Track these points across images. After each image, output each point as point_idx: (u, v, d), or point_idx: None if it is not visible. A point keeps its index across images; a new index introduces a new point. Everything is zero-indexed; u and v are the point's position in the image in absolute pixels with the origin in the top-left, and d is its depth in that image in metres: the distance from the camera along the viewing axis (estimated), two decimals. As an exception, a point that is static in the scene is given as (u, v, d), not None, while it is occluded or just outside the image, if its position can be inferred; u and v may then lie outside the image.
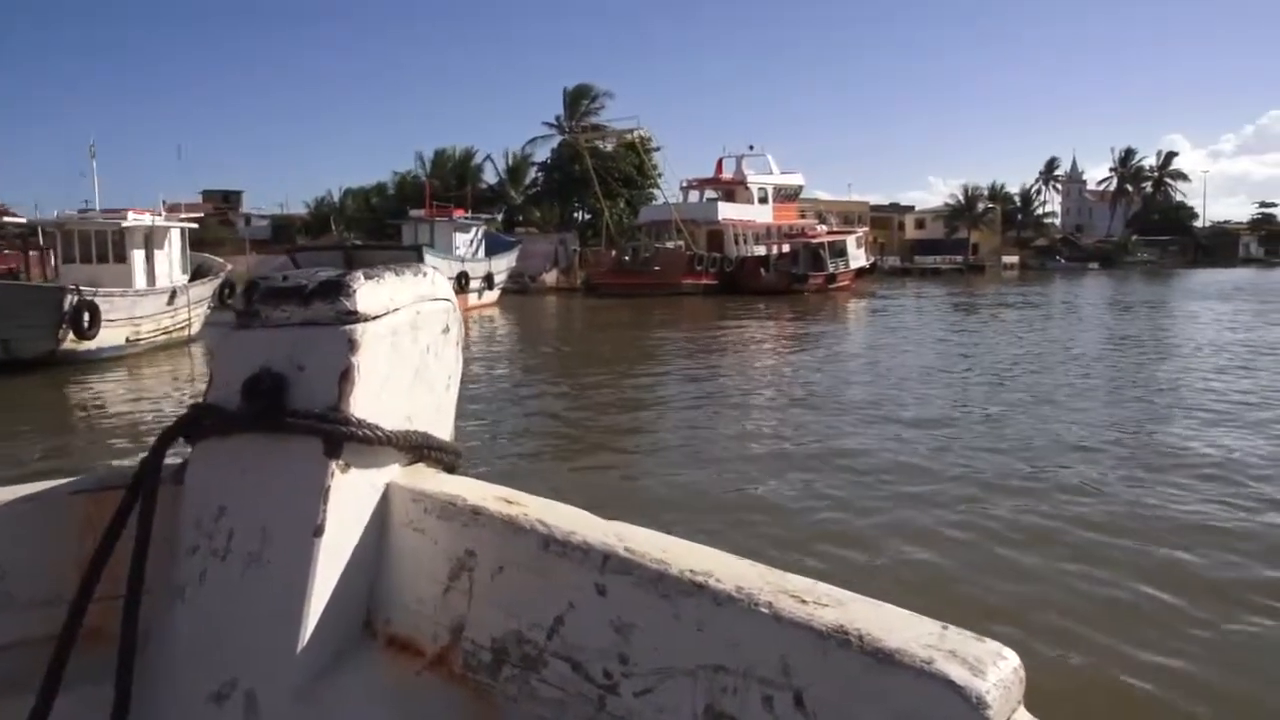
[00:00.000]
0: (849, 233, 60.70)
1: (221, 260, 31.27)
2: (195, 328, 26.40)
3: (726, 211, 55.83)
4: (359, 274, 1.60)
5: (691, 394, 16.61)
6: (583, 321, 40.58)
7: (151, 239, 25.53)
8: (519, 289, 53.55)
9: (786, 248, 55.43)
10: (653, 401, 16.15)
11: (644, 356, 23.62)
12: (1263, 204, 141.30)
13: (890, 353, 23.50)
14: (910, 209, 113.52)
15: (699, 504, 8.97)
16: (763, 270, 52.98)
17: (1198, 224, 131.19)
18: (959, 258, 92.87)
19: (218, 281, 28.69)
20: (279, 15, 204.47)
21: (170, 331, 24.85)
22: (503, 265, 45.13)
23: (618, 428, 13.76)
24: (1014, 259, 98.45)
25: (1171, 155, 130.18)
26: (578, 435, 13.26)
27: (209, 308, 27.91)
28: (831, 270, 54.07)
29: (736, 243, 55.08)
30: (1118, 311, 38.54)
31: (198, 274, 28.00)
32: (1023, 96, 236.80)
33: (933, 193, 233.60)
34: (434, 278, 1.76)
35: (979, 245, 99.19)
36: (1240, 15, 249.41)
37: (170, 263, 26.41)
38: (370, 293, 1.58)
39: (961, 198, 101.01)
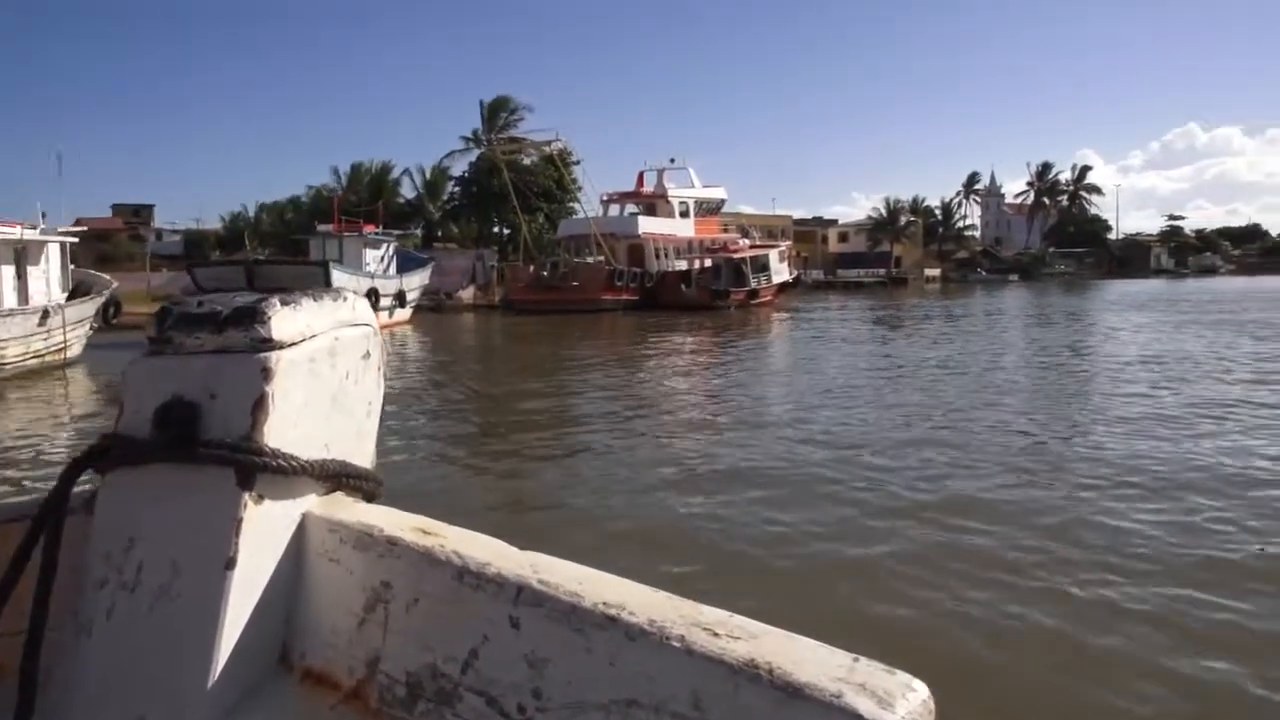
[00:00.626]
0: (772, 247, 60.11)
1: (107, 278, 29.40)
2: (74, 350, 24.69)
3: (647, 225, 54.97)
4: (275, 300, 1.57)
5: (609, 415, 15.79)
6: (499, 339, 39.59)
7: (24, 255, 23.80)
8: (435, 306, 52.66)
9: (709, 262, 54.69)
10: (569, 423, 15.26)
11: (561, 376, 22.69)
12: (1172, 216, 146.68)
13: (812, 369, 22.89)
14: (833, 223, 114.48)
15: (614, 531, 8.53)
16: (684, 285, 52.14)
17: (1111, 236, 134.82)
18: (881, 271, 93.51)
19: (100, 300, 26.94)
20: (192, 24, 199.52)
21: (43, 355, 23.11)
22: (415, 282, 43.76)
23: (533, 452, 12.88)
24: (936, 271, 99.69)
25: (1086, 169, 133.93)
26: (490, 461, 12.47)
27: (91, 328, 26.17)
28: (754, 285, 53.48)
29: (658, 257, 54.30)
30: (1040, 324, 38.38)
31: (78, 292, 26.23)
32: (944, 112, 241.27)
33: (856, 207, 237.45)
34: (355, 303, 1.73)
35: (901, 258, 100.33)
36: (1146, 37, 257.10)
37: (48, 280, 24.69)
38: (286, 319, 1.56)
39: (884, 211, 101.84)
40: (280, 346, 1.53)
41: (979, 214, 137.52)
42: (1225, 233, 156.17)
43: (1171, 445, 11.68)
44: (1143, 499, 9.06)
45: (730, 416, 15.43)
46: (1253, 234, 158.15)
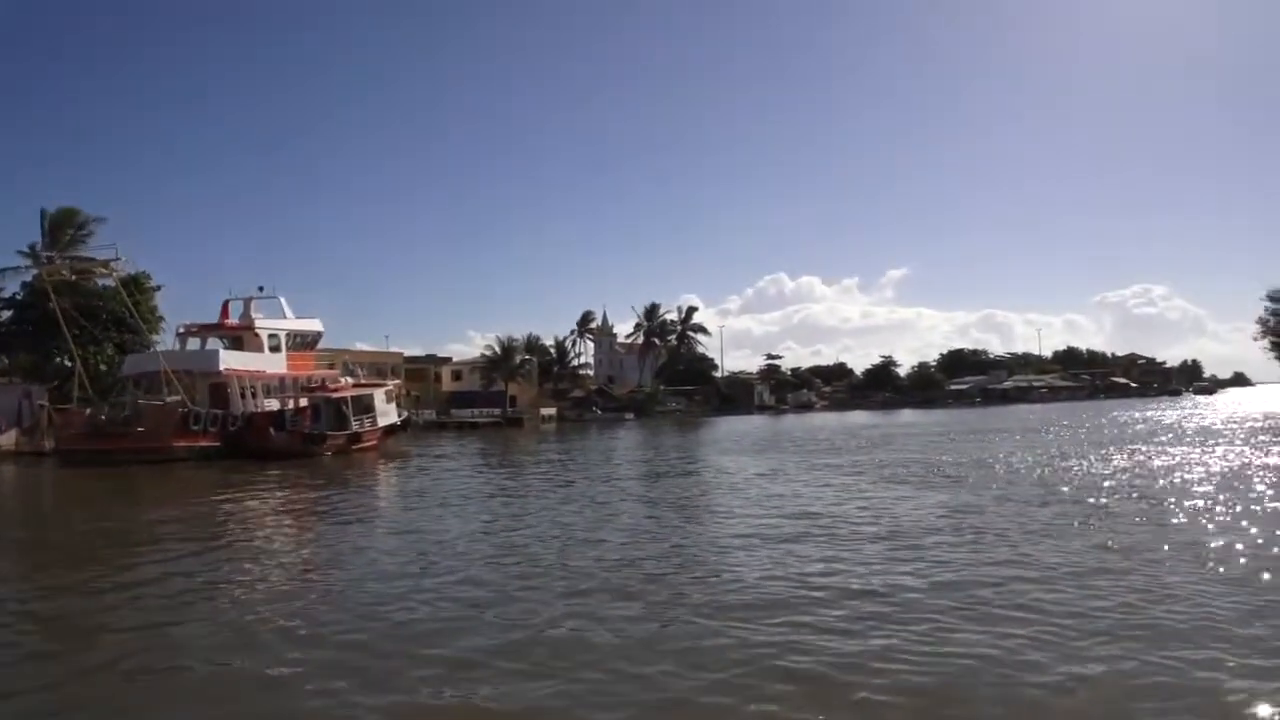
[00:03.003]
0: (377, 385, 56.33)
1: None
2: None
3: (230, 361, 49.33)
4: None
5: (166, 612, 12.66)
6: (43, 499, 33.61)
7: None
8: (-39, 455, 44.41)
9: (304, 402, 49.92)
10: (111, 628, 11.83)
11: (110, 554, 18.09)
12: (770, 355, 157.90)
13: (418, 528, 20.22)
14: (447, 360, 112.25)
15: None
16: (273, 429, 46.91)
17: (718, 374, 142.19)
18: (497, 410, 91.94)
19: None
20: None
21: None
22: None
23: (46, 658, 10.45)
24: (552, 410, 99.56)
25: (692, 310, 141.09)
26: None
27: None
28: (356, 428, 49.35)
29: (244, 397, 48.88)
30: (653, 470, 37.65)
31: None
32: (557, 252, 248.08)
33: (473, 346, 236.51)
34: None
35: (517, 397, 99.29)
36: (739, 196, 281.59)
37: None
38: None
39: (498, 349, 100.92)
40: None
41: (593, 352, 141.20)
42: (817, 371, 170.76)
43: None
44: None
45: (313, 600, 13.19)
46: (840, 372, 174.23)
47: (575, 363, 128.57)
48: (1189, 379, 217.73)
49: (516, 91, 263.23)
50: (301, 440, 46.08)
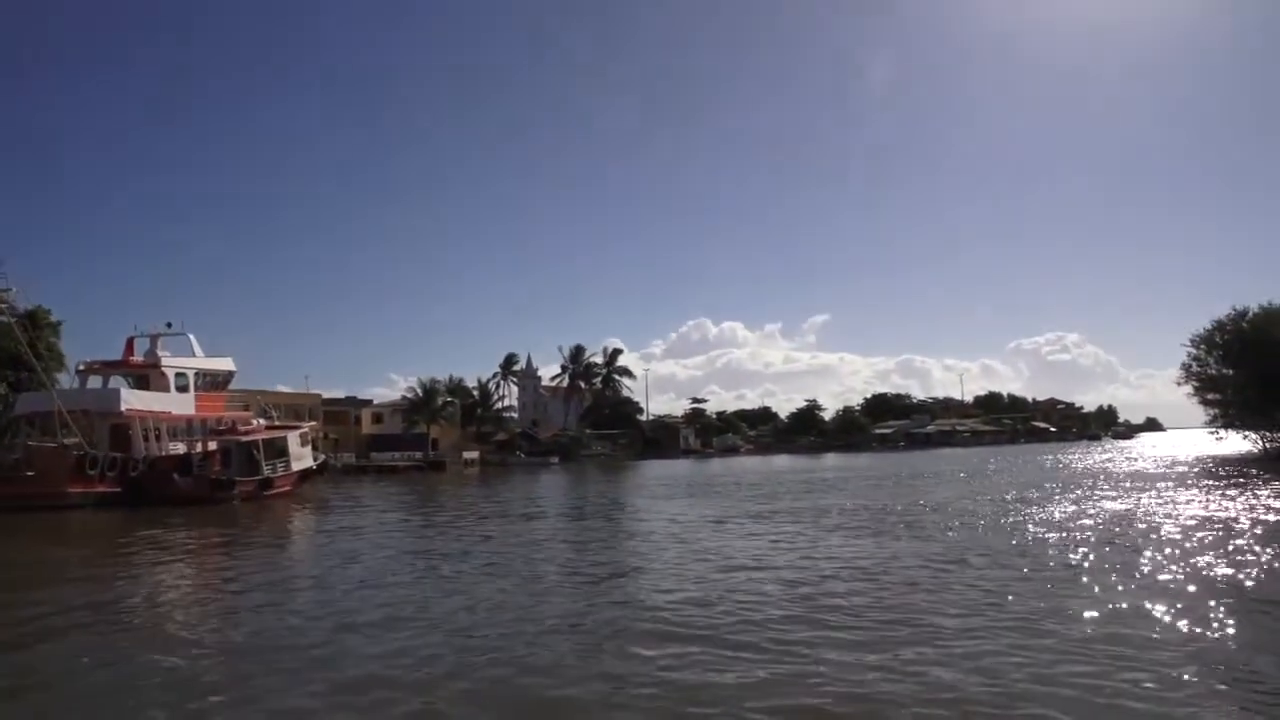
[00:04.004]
0: (292, 428, 53.54)
1: None
2: None
3: (133, 401, 46.31)
4: None
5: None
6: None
7: None
8: None
9: (214, 445, 47.12)
10: None
11: None
12: (695, 399, 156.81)
13: (334, 587, 18.31)
14: (368, 403, 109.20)
15: None
16: (178, 474, 44.02)
17: (643, 418, 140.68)
18: (419, 454, 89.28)
19: None
20: None
21: None
22: None
23: None
24: (475, 454, 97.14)
25: (617, 352, 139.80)
26: None
27: None
28: (268, 474, 46.69)
29: (148, 439, 45.93)
30: (584, 517, 35.85)
31: None
32: (479, 295, 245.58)
33: (395, 389, 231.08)
34: None
35: (439, 440, 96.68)
36: (657, 242, 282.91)
37: None
38: None
39: (420, 391, 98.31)
40: None
41: (517, 395, 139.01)
42: (742, 415, 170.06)
43: None
44: None
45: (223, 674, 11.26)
46: (765, 416, 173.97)
47: (499, 405, 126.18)
48: (1106, 423, 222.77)
49: (436, 134, 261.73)
50: (209, 486, 43.40)
